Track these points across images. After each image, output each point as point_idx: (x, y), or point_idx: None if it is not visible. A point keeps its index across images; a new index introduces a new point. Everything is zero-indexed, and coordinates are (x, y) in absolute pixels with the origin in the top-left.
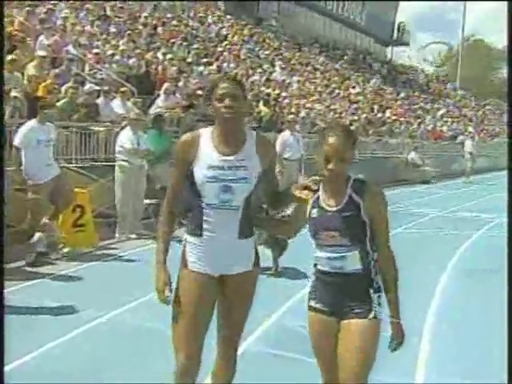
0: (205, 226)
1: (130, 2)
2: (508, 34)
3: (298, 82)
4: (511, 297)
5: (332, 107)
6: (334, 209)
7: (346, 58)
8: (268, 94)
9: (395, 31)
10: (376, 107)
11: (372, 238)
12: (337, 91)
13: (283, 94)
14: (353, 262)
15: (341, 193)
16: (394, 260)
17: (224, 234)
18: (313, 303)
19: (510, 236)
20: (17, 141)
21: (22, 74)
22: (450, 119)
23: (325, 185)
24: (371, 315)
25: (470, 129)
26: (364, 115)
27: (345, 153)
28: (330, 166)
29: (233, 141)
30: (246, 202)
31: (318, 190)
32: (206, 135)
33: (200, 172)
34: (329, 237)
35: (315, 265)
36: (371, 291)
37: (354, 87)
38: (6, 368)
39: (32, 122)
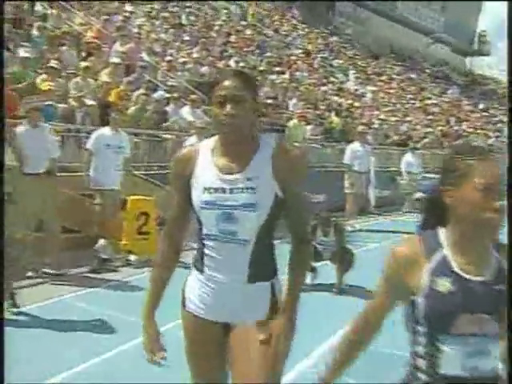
0: (206, 261)
1: (205, 10)
2: (508, 34)
3: (373, 92)
4: (511, 298)
5: (406, 119)
6: (481, 279)
7: (422, 67)
8: (340, 104)
9: (476, 41)
10: (452, 119)
11: None
12: (412, 102)
13: (356, 104)
14: (495, 358)
15: (483, 253)
16: None
17: (228, 275)
18: None
19: (510, 239)
20: (88, 144)
21: (96, 80)
22: None
23: (462, 237)
24: None
25: None
26: (439, 127)
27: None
28: (496, 205)
29: (238, 154)
30: (259, 236)
31: (436, 244)
32: (206, 148)
33: (196, 195)
34: (470, 322)
35: (430, 366)
36: None
37: (429, 98)
38: (63, 375)
39: (105, 128)
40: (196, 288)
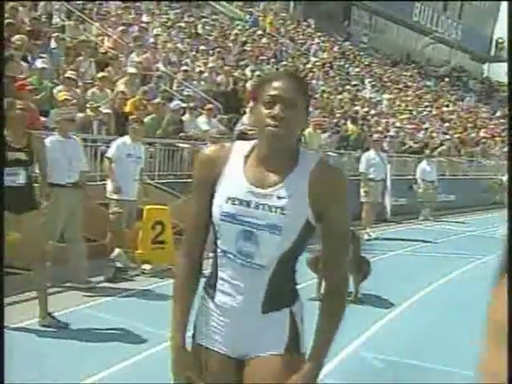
0: (219, 284)
1: (221, 20)
2: (508, 34)
3: (389, 99)
4: (511, 298)
5: (423, 126)
6: None
7: (439, 75)
8: (356, 112)
9: (493, 47)
10: (470, 126)
11: None
12: (429, 109)
13: (372, 111)
14: None
15: None
16: None
17: (241, 303)
18: None
19: (509, 241)
20: (109, 152)
21: (112, 90)
22: None
23: None
24: None
25: None
26: (456, 135)
27: None
28: None
29: (274, 166)
30: (280, 263)
31: None
32: (239, 152)
33: (217, 203)
34: None
35: None
36: None
37: (447, 105)
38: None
39: (125, 138)
40: (207, 319)
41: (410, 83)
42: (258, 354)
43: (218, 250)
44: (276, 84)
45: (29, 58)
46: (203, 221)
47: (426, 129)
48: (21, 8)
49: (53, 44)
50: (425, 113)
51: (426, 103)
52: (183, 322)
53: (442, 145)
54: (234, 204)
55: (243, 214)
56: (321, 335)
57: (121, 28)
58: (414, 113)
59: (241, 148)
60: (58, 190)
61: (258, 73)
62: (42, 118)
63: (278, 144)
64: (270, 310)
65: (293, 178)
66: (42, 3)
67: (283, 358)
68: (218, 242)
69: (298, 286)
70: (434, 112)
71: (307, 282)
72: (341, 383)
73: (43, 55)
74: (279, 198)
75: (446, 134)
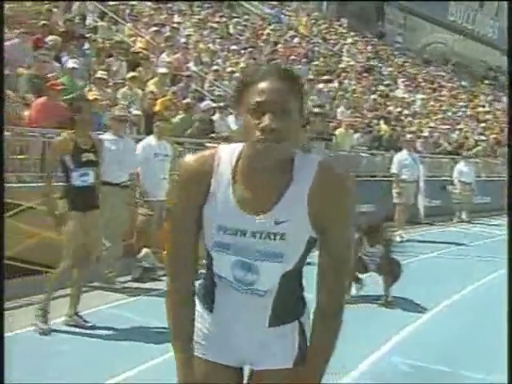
0: (217, 301)
1: (253, 20)
2: (508, 33)
3: (423, 99)
4: (510, 295)
5: (458, 127)
6: None
7: (475, 74)
8: (389, 112)
9: None
10: (506, 127)
11: None
12: (463, 110)
13: (405, 111)
14: None
15: None
16: None
17: (244, 321)
18: None
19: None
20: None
21: (143, 90)
22: None
23: None
24: None
25: None
26: (493, 135)
27: None
28: None
29: (266, 184)
30: (284, 283)
31: None
32: (225, 162)
33: (207, 229)
34: None
35: None
36: None
37: (483, 106)
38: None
39: (150, 138)
40: (204, 327)
41: (444, 83)
42: (267, 368)
43: (214, 272)
44: (262, 86)
45: (63, 59)
46: (192, 238)
47: (461, 129)
48: (55, 9)
49: (86, 45)
50: (460, 113)
51: (461, 103)
52: (189, 341)
53: (477, 145)
54: (226, 233)
55: (238, 245)
56: (313, 357)
57: (153, 29)
58: (449, 113)
59: (226, 156)
60: (108, 188)
61: None
62: None
63: (270, 159)
64: (278, 325)
65: (290, 196)
66: (75, 5)
67: (292, 372)
68: (213, 266)
69: (306, 294)
70: (469, 112)
71: None
72: None
73: (75, 56)
74: (277, 223)
75: (481, 134)
